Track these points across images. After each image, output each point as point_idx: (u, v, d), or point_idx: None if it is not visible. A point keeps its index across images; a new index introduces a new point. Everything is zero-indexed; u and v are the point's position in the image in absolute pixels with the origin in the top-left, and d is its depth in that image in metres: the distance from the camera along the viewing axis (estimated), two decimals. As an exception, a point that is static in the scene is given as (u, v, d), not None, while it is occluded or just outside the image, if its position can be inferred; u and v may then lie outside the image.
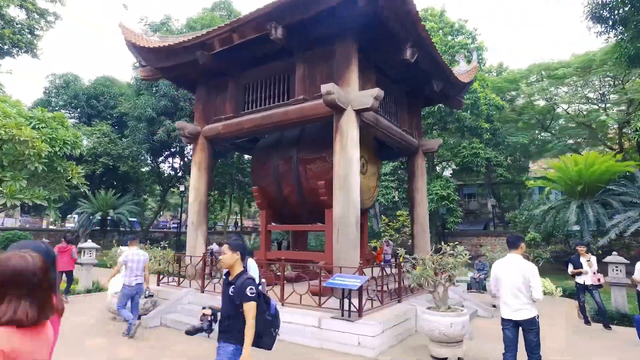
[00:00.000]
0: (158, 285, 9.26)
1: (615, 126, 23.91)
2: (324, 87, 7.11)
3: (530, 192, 34.29)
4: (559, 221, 13.40)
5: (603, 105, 23.82)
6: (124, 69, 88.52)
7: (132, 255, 6.85)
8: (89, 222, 23.01)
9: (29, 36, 23.41)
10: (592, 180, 12.82)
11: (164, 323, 7.51)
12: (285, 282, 7.32)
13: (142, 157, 25.93)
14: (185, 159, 25.60)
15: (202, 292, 8.36)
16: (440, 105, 16.11)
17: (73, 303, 9.92)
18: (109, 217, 23.29)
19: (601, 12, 12.48)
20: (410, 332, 7.07)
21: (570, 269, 8.25)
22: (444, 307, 5.81)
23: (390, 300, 7.31)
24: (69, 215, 35.12)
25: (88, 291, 11.47)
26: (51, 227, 43.87)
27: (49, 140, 14.64)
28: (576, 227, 15.07)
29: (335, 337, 5.99)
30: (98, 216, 22.51)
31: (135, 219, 28.57)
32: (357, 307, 6.24)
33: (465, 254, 5.70)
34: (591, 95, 23.84)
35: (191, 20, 22.50)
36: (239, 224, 44.45)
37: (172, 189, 32.38)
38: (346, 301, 6.26)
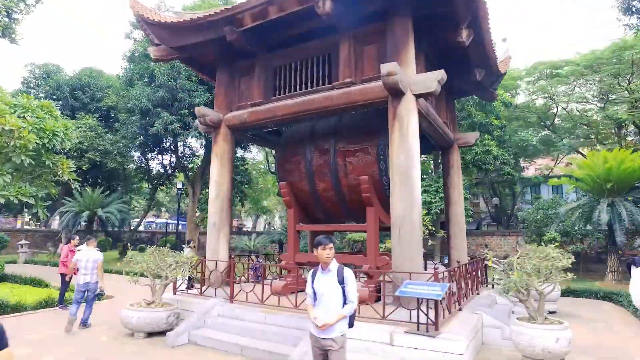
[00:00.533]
0: (175, 294, 8.14)
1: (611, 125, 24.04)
2: (385, 67, 6.19)
3: (523, 192, 34.40)
4: (588, 220, 12.91)
5: (602, 105, 23.81)
6: (113, 61, 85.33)
7: (83, 255, 7.44)
8: (75, 222, 21.33)
9: (7, 19, 21.55)
10: (623, 178, 12.37)
11: (193, 340, 6.43)
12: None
13: (133, 153, 24.37)
14: (179, 154, 24.18)
15: (231, 302, 7.31)
16: (473, 97, 15.36)
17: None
18: (97, 217, 21.64)
19: (631, 3, 12.03)
20: (479, 346, 6.26)
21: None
22: (540, 318, 5.00)
23: (454, 309, 6.47)
24: (50, 215, 32.97)
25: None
26: (27, 227, 41.30)
27: (36, 130, 13.19)
28: (588, 228, 14.68)
29: (413, 356, 5.09)
30: (85, 216, 20.86)
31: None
32: (433, 319, 5.37)
33: (569, 258, 4.91)
34: (589, 95, 23.80)
35: (187, 8, 21.16)
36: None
37: (160, 188, 30.82)
38: (414, 312, 5.40)
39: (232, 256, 8.03)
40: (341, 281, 3.61)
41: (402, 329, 5.42)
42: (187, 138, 19.73)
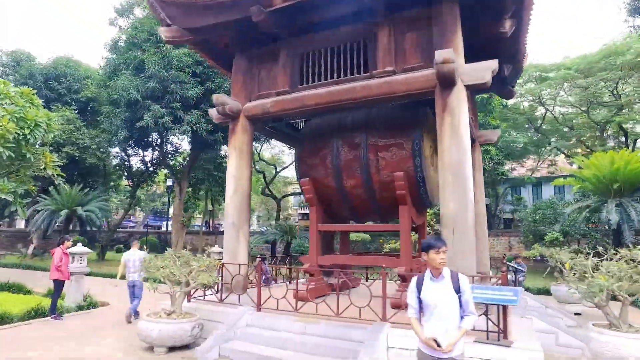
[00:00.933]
0: (189, 301, 7.35)
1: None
2: (441, 54, 5.70)
3: (505, 193, 35.04)
4: (592, 220, 12.96)
5: (585, 109, 24.39)
6: (91, 53, 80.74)
7: (130, 255, 8.40)
8: (51, 222, 19.76)
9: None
10: (629, 178, 12.47)
11: (224, 355, 5.71)
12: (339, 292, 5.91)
13: (114, 148, 22.95)
14: (165, 149, 22.97)
15: (259, 309, 6.62)
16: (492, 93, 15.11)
17: (70, 324, 7.74)
18: (76, 216, 20.15)
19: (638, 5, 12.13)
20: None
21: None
22: (624, 326, 4.64)
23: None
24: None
25: (80, 307, 9.21)
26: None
27: (15, 120, 11.92)
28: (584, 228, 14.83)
29: (485, 370, 4.62)
30: (63, 214, 19.36)
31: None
32: (502, 327, 4.94)
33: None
34: (571, 99, 24.32)
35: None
36: (210, 224, 41.68)
37: (142, 185, 29.32)
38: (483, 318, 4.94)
39: (259, 261, 7.32)
40: (457, 289, 3.08)
41: (469, 337, 4.93)
42: (177, 133, 18.65)
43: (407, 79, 6.52)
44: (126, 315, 8.14)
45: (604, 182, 12.95)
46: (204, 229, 36.56)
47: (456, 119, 6.03)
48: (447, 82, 5.98)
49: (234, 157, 7.91)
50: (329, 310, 6.02)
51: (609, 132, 26.18)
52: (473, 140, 9.83)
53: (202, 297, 7.42)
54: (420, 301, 3.20)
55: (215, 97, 7.68)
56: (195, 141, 22.60)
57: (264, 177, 38.58)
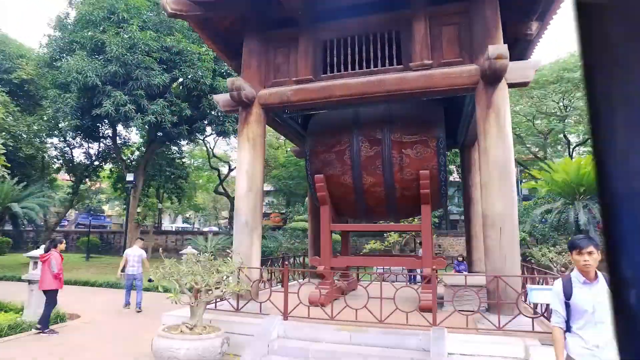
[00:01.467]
0: (196, 309, 6.47)
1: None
2: (496, 49, 5.54)
3: (453, 195, 36.92)
4: (563, 220, 13.89)
5: (531, 117, 26.37)
6: (29, 29, 70.68)
7: (131, 251, 9.84)
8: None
9: None
10: (593, 182, 13.51)
11: (264, 371, 5.02)
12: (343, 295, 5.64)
13: (55, 138, 20.31)
14: (116, 141, 20.84)
15: (286, 318, 5.98)
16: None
17: (50, 343, 6.46)
18: (9, 213, 17.45)
19: None
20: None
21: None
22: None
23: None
24: None
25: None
26: None
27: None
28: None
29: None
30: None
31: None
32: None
33: None
34: (529, 109, 26.15)
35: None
36: (158, 223, 38.82)
37: (84, 181, 26.39)
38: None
39: (285, 264, 6.63)
40: None
41: (535, 341, 4.78)
42: (139, 123, 16.93)
43: (447, 73, 6.29)
44: (137, 311, 9.17)
45: (572, 186, 13.92)
46: (154, 228, 33.98)
47: (501, 117, 5.91)
48: (495, 78, 5.84)
49: (246, 150, 7.13)
50: (372, 317, 5.58)
51: (549, 140, 28.60)
52: (474, 141, 9.97)
53: (212, 307, 6.57)
54: (567, 307, 2.90)
55: (231, 81, 6.85)
56: (153, 134, 20.83)
57: (219, 175, 36.94)
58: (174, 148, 27.80)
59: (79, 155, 25.13)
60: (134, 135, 29.08)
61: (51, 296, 7.05)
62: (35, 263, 8.04)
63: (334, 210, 8.23)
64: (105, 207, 52.29)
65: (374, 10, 6.86)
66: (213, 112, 18.59)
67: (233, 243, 7.07)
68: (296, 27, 7.30)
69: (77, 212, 46.10)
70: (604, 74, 0.38)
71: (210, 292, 5.49)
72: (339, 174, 7.76)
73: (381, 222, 9.95)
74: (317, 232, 10.41)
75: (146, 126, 18.68)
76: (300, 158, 11.76)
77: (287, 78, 7.27)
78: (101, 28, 16.00)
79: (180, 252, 13.99)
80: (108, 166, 27.84)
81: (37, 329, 6.95)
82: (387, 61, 6.78)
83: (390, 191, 7.60)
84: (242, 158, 7.19)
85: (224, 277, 5.39)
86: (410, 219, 9.63)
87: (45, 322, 6.91)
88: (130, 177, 16.30)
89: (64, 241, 7.81)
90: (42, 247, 8.39)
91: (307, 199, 22.64)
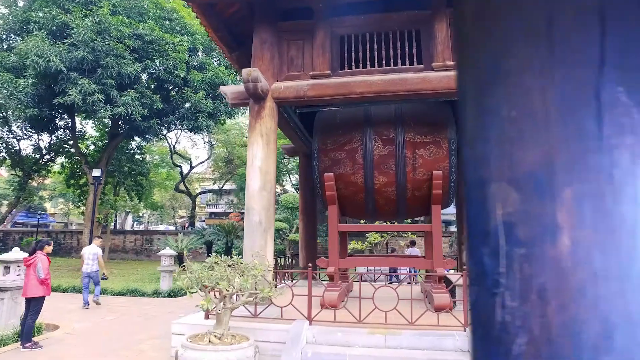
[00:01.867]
0: (207, 317, 6.04)
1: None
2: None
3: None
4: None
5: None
6: None
7: (86, 250, 10.02)
8: None
9: None
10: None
11: (300, 380, 4.74)
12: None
13: (7, 126, 18.21)
14: (79, 134, 19.13)
15: (311, 323, 5.73)
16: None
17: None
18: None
19: None
20: None
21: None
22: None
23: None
24: None
25: (20, 335, 6.88)
26: None
27: None
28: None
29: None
30: None
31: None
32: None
33: None
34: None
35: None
36: (115, 222, 36.30)
37: (33, 176, 24.00)
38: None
39: (309, 266, 6.31)
40: None
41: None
42: (107, 115, 15.64)
43: (468, 75, 6.34)
44: (94, 301, 9.61)
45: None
46: (111, 227, 31.79)
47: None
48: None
49: (260, 146, 6.76)
50: (402, 319, 5.48)
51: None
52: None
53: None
54: None
55: (247, 72, 6.44)
56: (117, 127, 19.42)
57: (181, 172, 35.37)
58: (134, 143, 26.22)
59: (26, 147, 22.81)
60: (89, 128, 27.03)
61: (36, 305, 6.23)
62: (7, 268, 7.10)
63: (342, 210, 8.07)
64: (47, 205, 48.11)
65: (392, 7, 6.79)
66: (186, 106, 17.66)
67: (244, 244, 6.67)
68: (310, 19, 7.05)
69: (14, 210, 42.06)
70: (464, 71, 0.41)
71: (236, 297, 5.12)
72: (350, 172, 7.60)
73: (380, 222, 9.93)
74: (310, 233, 10.20)
75: (111, 119, 17.34)
76: (292, 156, 11.45)
77: (302, 72, 7.00)
78: (65, 8, 14.57)
79: (159, 254, 13.15)
80: (59, 160, 25.64)
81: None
82: (407, 60, 6.73)
83: (402, 191, 7.56)
84: (254, 154, 6.80)
85: (256, 282, 5.03)
86: (410, 219, 9.71)
87: (29, 335, 6.10)
88: (97, 172, 14.97)
89: (52, 243, 6.96)
90: (17, 249, 7.46)
91: (282, 197, 22.20)
